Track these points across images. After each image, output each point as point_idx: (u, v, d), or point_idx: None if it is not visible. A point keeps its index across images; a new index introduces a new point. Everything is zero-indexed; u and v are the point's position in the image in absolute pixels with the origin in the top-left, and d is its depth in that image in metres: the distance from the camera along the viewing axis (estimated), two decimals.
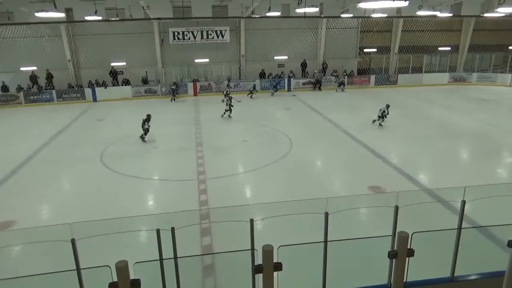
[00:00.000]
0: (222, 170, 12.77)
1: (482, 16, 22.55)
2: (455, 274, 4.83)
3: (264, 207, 6.70)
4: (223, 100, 21.78)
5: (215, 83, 27.31)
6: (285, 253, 3.96)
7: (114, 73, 26.59)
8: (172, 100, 25.44)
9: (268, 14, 19.30)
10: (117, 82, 26.73)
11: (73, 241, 4.04)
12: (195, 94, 26.86)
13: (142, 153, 14.84)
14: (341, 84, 27.81)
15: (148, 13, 22.76)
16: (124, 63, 26.13)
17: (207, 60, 27.04)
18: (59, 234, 4.31)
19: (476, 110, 21.13)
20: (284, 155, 14.25)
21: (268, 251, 3.40)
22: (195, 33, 26.04)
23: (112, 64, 26.16)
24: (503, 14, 19.14)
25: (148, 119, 16.25)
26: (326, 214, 4.61)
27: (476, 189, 5.37)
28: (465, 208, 4.92)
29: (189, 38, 26.13)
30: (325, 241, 4.60)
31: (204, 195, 10.88)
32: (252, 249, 4.30)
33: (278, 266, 3.58)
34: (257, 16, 23.02)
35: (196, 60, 26.97)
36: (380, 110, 18.00)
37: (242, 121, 19.56)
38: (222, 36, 26.44)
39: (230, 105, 19.83)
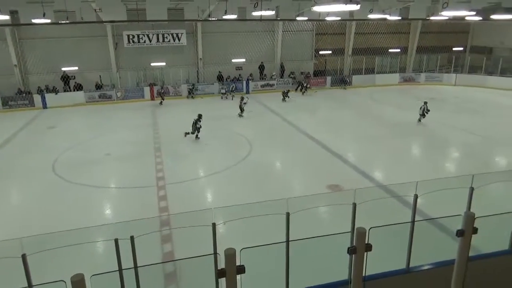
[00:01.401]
0: (182, 175, 12.58)
1: (428, 19, 23.82)
2: (410, 265, 5.05)
3: (226, 211, 6.68)
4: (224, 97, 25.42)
5: (173, 86, 26.89)
6: (248, 255, 3.96)
7: (65, 78, 25.43)
8: (192, 97, 26.14)
9: (225, 17, 19.29)
10: (69, 88, 25.59)
11: (23, 257, 3.81)
12: (152, 98, 26.29)
13: (97, 161, 14.29)
14: (302, 86, 28.00)
15: (101, 16, 22.01)
16: (76, 68, 25.06)
17: (163, 63, 26.56)
18: (8, 250, 4.06)
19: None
20: (245, 157, 14.29)
21: (230, 254, 3.39)
22: (150, 36, 25.50)
23: (63, 68, 24.99)
24: (447, 17, 20.32)
25: (199, 118, 16.48)
26: (287, 215, 4.67)
27: (427, 183, 5.65)
28: (418, 201, 5.17)
29: (145, 42, 25.54)
30: (287, 241, 4.66)
31: (164, 201, 10.66)
32: (215, 253, 4.27)
33: (241, 269, 3.58)
34: (214, 19, 22.92)
35: (152, 64, 26.41)
36: (421, 108, 18.83)
37: (202, 125, 19.37)
38: (179, 39, 26.09)
39: (243, 104, 20.64)
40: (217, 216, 4.95)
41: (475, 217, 3.53)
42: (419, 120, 19.01)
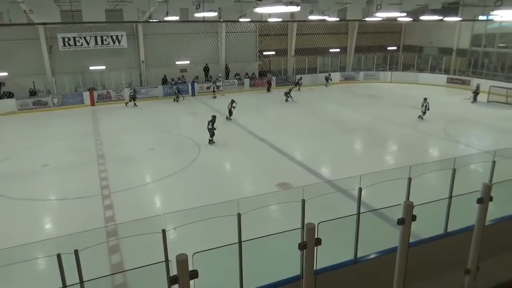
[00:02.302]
0: (128, 182, 12.14)
1: (364, 20, 25.01)
2: (358, 256, 5.28)
3: (176, 216, 6.54)
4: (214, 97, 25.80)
5: (114, 91, 25.84)
6: (200, 259, 3.91)
7: None
8: (134, 104, 24.56)
9: (166, 18, 18.89)
10: None
11: None
12: (92, 103, 25.08)
13: (33, 173, 13.35)
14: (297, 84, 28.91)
15: (32, 17, 20.57)
16: (6, 74, 23.24)
17: (103, 67, 25.43)
18: None
19: (365, 105, 23.39)
20: (193, 160, 14.11)
21: (182, 260, 3.32)
22: (88, 38, 24.30)
23: None
24: (381, 19, 21.49)
25: (213, 120, 15.86)
26: (239, 215, 4.68)
27: (369, 176, 5.93)
28: (362, 194, 5.41)
29: (82, 44, 24.29)
30: (239, 242, 4.66)
31: (110, 211, 10.23)
32: (166, 260, 4.17)
33: (194, 274, 3.52)
34: (155, 20, 22.35)
35: (91, 68, 25.19)
36: (423, 106, 19.27)
37: (146, 129, 18.85)
38: (119, 42, 25.12)
39: (232, 108, 20.16)
40: (167, 222, 4.83)
41: (414, 205, 3.76)
42: (421, 117, 19.56)
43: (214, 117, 16.16)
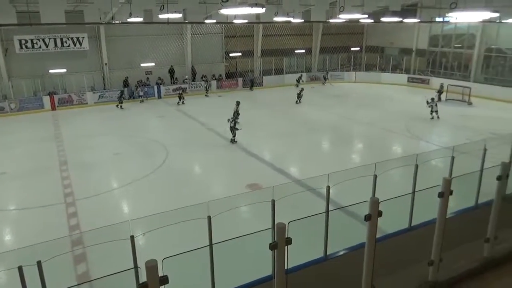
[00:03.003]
0: (93, 188, 11.77)
1: (328, 21, 25.51)
2: (328, 253, 5.37)
3: (145, 221, 6.41)
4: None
5: (76, 94, 24.98)
6: (171, 264, 3.85)
7: None
8: (120, 106, 24.07)
9: (130, 20, 18.47)
10: None
11: None
12: (53, 108, 24.11)
13: None
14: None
15: None
16: None
17: (64, 70, 24.51)
18: None
19: (332, 105, 23.87)
20: (161, 164, 13.87)
21: (151, 266, 3.25)
22: (47, 41, 23.33)
23: None
24: (344, 20, 22.00)
25: (235, 117, 15.60)
26: (209, 218, 4.64)
27: (337, 174, 6.05)
28: (330, 192, 5.51)
29: (40, 47, 23.29)
30: (210, 245, 4.63)
31: (75, 219, 9.87)
32: (135, 267, 4.07)
33: (164, 280, 3.45)
34: (118, 22, 21.81)
35: (51, 71, 24.21)
36: (429, 104, 19.55)
37: (111, 133, 18.36)
38: (80, 44, 24.29)
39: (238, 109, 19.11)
40: (136, 228, 4.72)
41: (379, 201, 3.87)
42: (432, 117, 19.73)
43: (236, 115, 16.11)
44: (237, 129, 15.98)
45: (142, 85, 26.80)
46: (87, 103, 24.79)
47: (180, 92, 25.66)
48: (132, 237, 4.22)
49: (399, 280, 4.39)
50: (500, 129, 16.73)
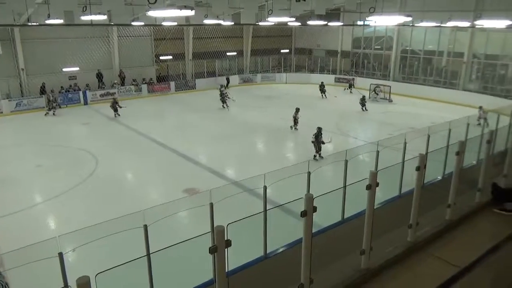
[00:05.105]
0: (12, 205, 10.74)
1: (257, 24, 25.99)
2: (268, 252, 5.46)
3: (75, 236, 5.99)
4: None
5: None
6: (105, 280, 3.65)
7: None
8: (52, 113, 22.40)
9: (48, 21, 17.19)
10: None
11: None
12: None
13: None
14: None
15: None
16: None
17: None
18: None
19: (265, 106, 24.33)
20: (91, 173, 13.11)
21: (83, 283, 3.06)
22: None
23: None
24: (273, 23, 22.59)
25: (318, 133, 14.09)
26: (145, 227, 4.49)
27: (273, 174, 6.18)
28: (267, 192, 5.61)
29: None
30: (148, 255, 4.48)
31: None
32: (65, 286, 3.81)
33: None
34: (35, 24, 20.19)
35: None
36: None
37: (31, 144, 16.94)
38: None
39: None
40: (65, 244, 4.41)
41: (314, 197, 4.03)
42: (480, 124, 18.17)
43: (319, 129, 14.28)
44: (323, 142, 14.30)
45: (52, 92, 24.71)
46: (1, 112, 22.62)
47: (114, 103, 21.95)
48: (60, 254, 3.94)
49: (335, 271, 4.60)
50: (417, 124, 18.29)
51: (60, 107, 23.82)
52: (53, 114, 22.61)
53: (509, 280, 2.27)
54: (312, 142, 14.33)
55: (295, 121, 18.47)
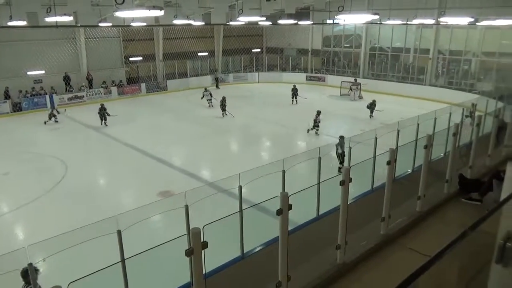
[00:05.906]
0: None
1: (228, 24, 25.92)
2: (245, 251, 5.46)
3: (46, 245, 5.80)
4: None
5: None
6: None
7: None
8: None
9: (10, 23, 16.53)
10: None
11: None
12: None
13: None
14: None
15: None
16: None
17: None
18: None
19: (238, 106, 24.27)
20: (61, 180, 12.71)
21: None
22: None
23: None
24: (243, 22, 22.57)
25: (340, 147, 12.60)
26: (119, 232, 4.40)
27: (248, 173, 6.18)
28: (242, 191, 5.61)
29: None
30: (122, 260, 4.39)
31: None
32: None
33: None
34: None
35: None
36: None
37: None
38: None
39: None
40: (34, 255, 4.27)
41: (289, 195, 4.06)
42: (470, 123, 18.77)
43: (342, 138, 12.64)
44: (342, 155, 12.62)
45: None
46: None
47: (102, 110, 19.93)
48: (30, 265, 3.80)
49: (312, 267, 4.66)
50: (387, 119, 18.76)
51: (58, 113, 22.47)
52: (55, 121, 20.92)
53: (475, 265, 2.37)
54: (339, 153, 12.76)
55: (316, 123, 17.49)
